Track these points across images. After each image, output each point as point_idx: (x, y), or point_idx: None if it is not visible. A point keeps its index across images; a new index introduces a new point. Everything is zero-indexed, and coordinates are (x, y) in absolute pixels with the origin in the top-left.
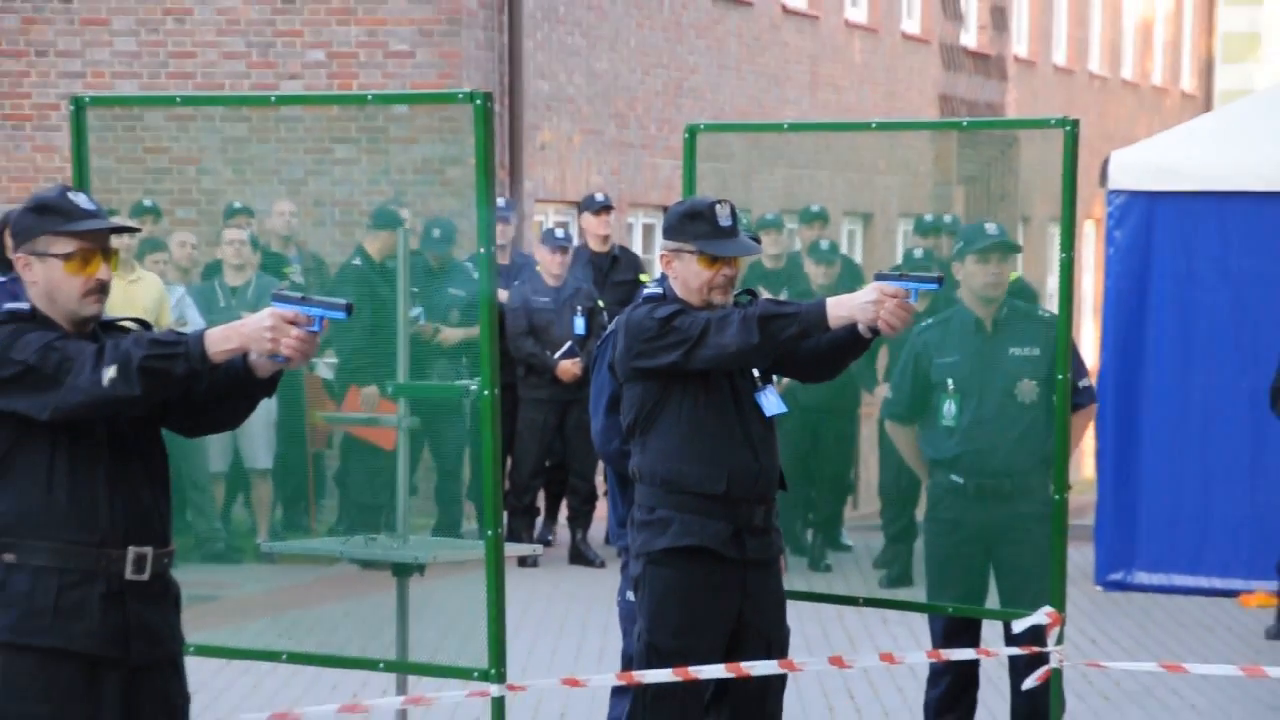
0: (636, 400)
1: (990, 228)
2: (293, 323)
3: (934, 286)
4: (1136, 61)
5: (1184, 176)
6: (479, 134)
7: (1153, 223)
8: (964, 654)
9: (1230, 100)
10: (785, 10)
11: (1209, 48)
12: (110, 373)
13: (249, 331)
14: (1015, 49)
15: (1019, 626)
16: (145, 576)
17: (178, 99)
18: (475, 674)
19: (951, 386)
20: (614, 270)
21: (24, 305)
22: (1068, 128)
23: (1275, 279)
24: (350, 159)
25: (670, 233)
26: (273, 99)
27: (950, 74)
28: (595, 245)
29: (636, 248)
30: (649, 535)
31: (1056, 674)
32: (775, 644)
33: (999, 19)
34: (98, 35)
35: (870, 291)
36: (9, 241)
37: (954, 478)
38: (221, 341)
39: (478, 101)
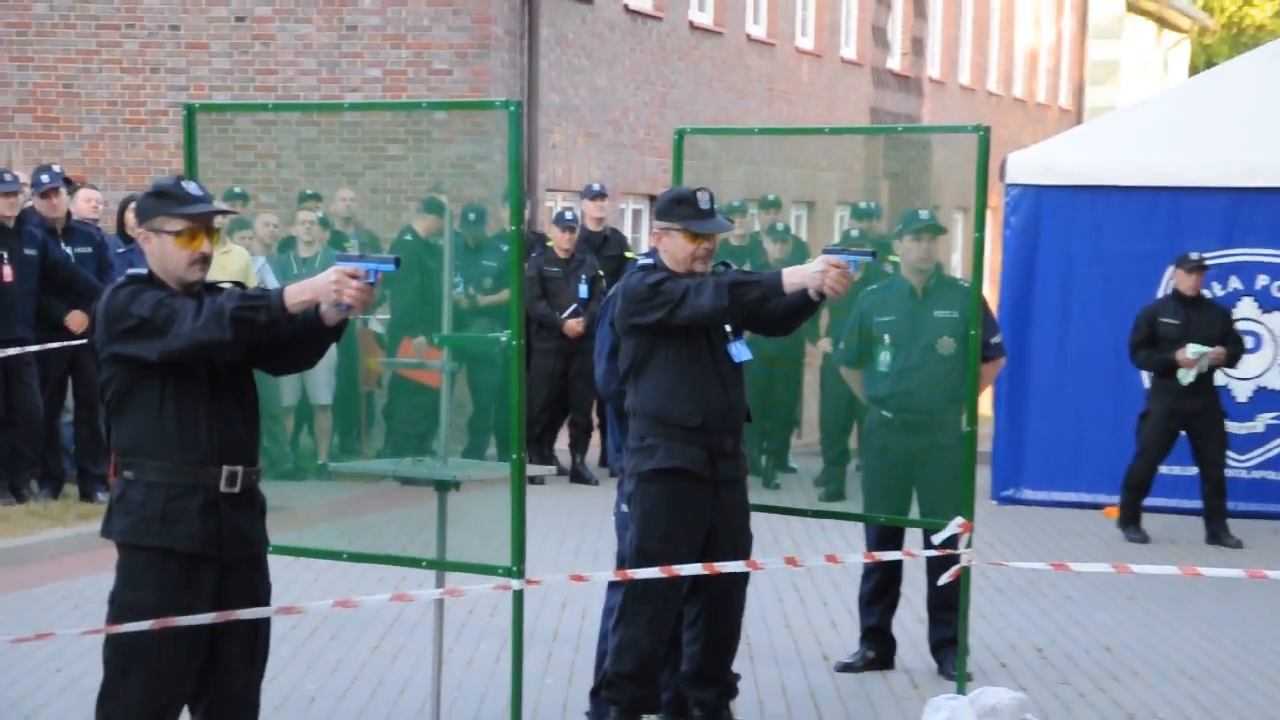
0: (631, 350)
1: (923, 214)
2: (353, 276)
3: (869, 259)
4: (1025, 82)
5: (1065, 174)
6: (512, 135)
7: (1040, 211)
8: (892, 555)
9: (1097, 114)
10: (749, 39)
11: (1081, 73)
12: (207, 321)
13: (319, 285)
14: (930, 71)
15: (939, 536)
16: (236, 490)
17: (269, 105)
18: (500, 570)
19: (887, 340)
20: (605, 247)
21: (143, 270)
22: (981, 133)
23: (1136, 257)
24: (399, 155)
25: (661, 214)
26: (345, 105)
27: (879, 91)
28: (591, 226)
29: (626, 228)
30: (640, 459)
31: (966, 571)
32: (741, 547)
33: (918, 47)
34: (199, 56)
35: (818, 263)
36: (130, 219)
37: (884, 413)
38: (297, 294)
39: (511, 109)
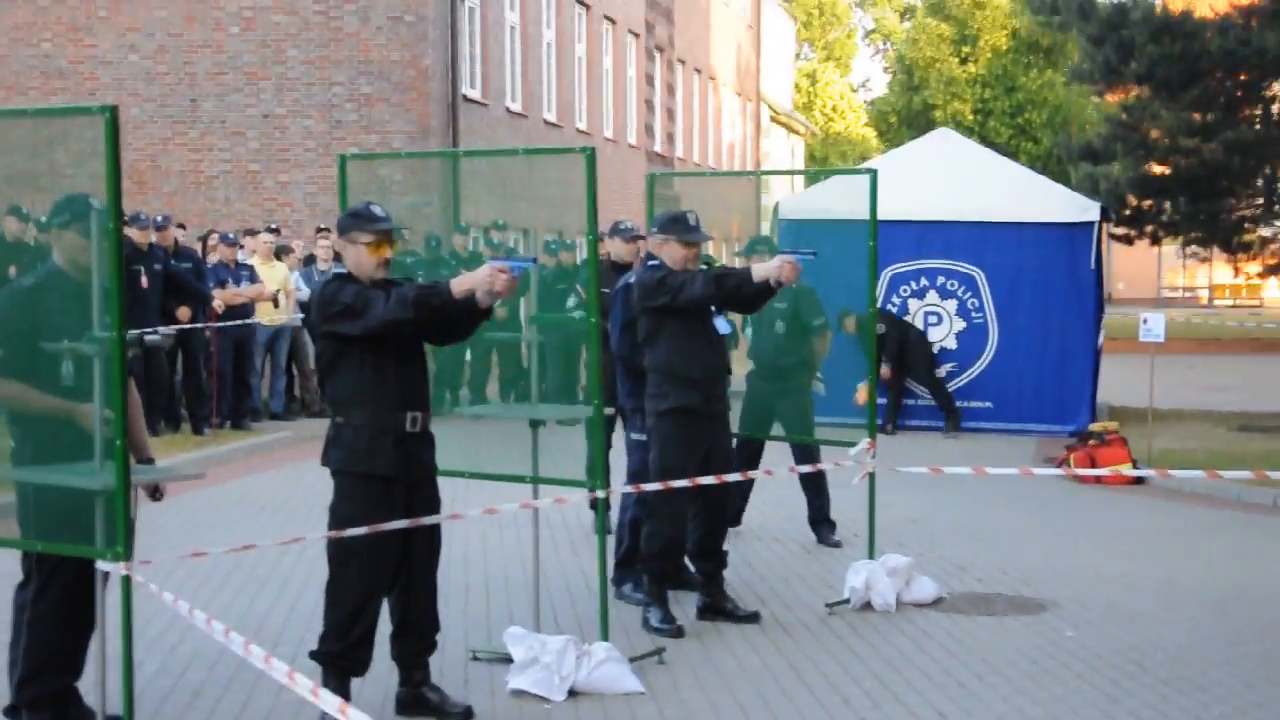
0: (646, 325)
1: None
2: (502, 271)
3: (811, 257)
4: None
5: (813, 211)
6: (589, 182)
7: (796, 238)
8: (824, 465)
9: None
10: (577, 131)
11: (758, 158)
12: (395, 305)
13: (477, 278)
14: (678, 152)
15: (853, 450)
16: (417, 430)
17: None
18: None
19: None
20: None
21: (344, 270)
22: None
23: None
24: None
25: (661, 229)
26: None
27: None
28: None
29: None
30: (656, 402)
31: (872, 476)
32: (729, 460)
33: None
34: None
35: (777, 260)
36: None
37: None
38: (460, 285)
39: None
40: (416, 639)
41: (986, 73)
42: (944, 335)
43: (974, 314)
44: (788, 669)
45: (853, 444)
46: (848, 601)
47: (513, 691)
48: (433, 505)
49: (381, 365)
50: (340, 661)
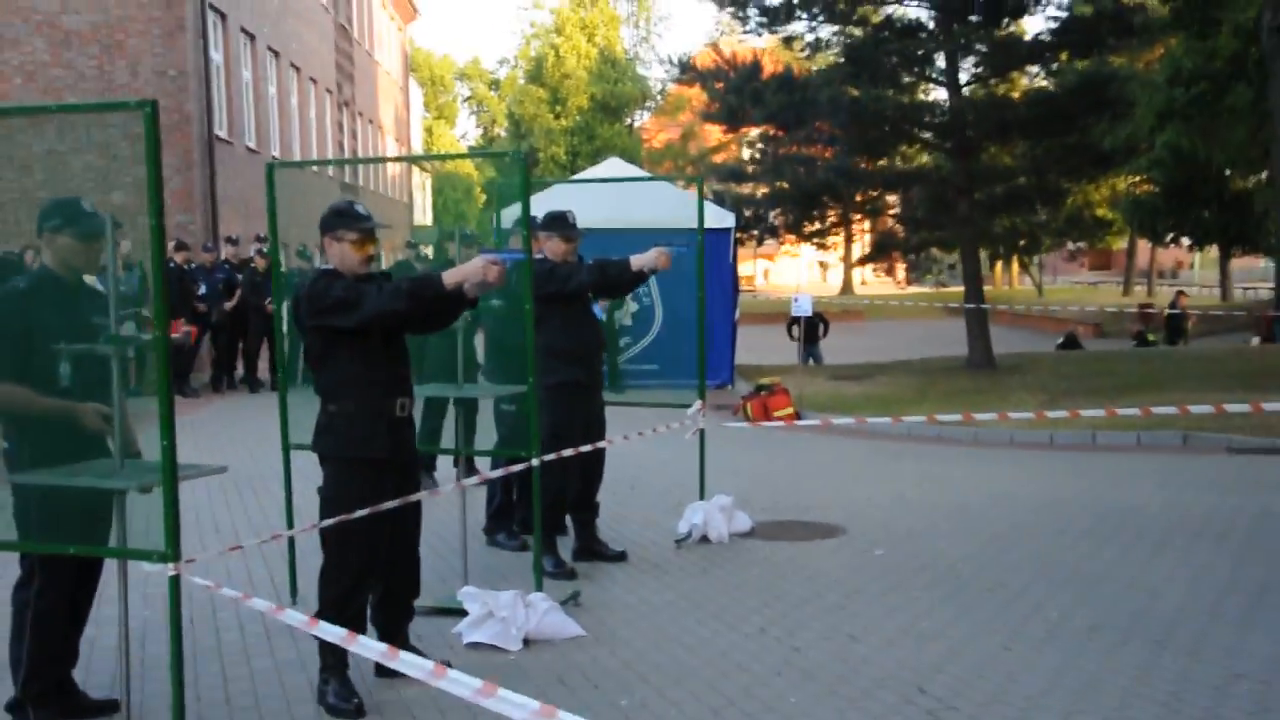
0: (537, 310)
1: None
2: (495, 263)
3: (684, 250)
4: (400, 192)
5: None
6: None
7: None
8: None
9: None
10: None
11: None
12: (389, 297)
13: (469, 270)
14: (371, 186)
15: (690, 411)
16: (405, 414)
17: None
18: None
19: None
20: None
21: (331, 267)
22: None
23: None
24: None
25: (543, 227)
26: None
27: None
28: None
29: None
30: (545, 376)
31: (702, 431)
32: (603, 426)
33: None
34: None
35: (655, 251)
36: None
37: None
38: (451, 276)
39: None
40: (401, 606)
41: (574, 125)
42: (624, 315)
43: (644, 298)
44: (682, 599)
45: (688, 406)
46: (689, 536)
47: (469, 645)
48: (416, 483)
49: (371, 355)
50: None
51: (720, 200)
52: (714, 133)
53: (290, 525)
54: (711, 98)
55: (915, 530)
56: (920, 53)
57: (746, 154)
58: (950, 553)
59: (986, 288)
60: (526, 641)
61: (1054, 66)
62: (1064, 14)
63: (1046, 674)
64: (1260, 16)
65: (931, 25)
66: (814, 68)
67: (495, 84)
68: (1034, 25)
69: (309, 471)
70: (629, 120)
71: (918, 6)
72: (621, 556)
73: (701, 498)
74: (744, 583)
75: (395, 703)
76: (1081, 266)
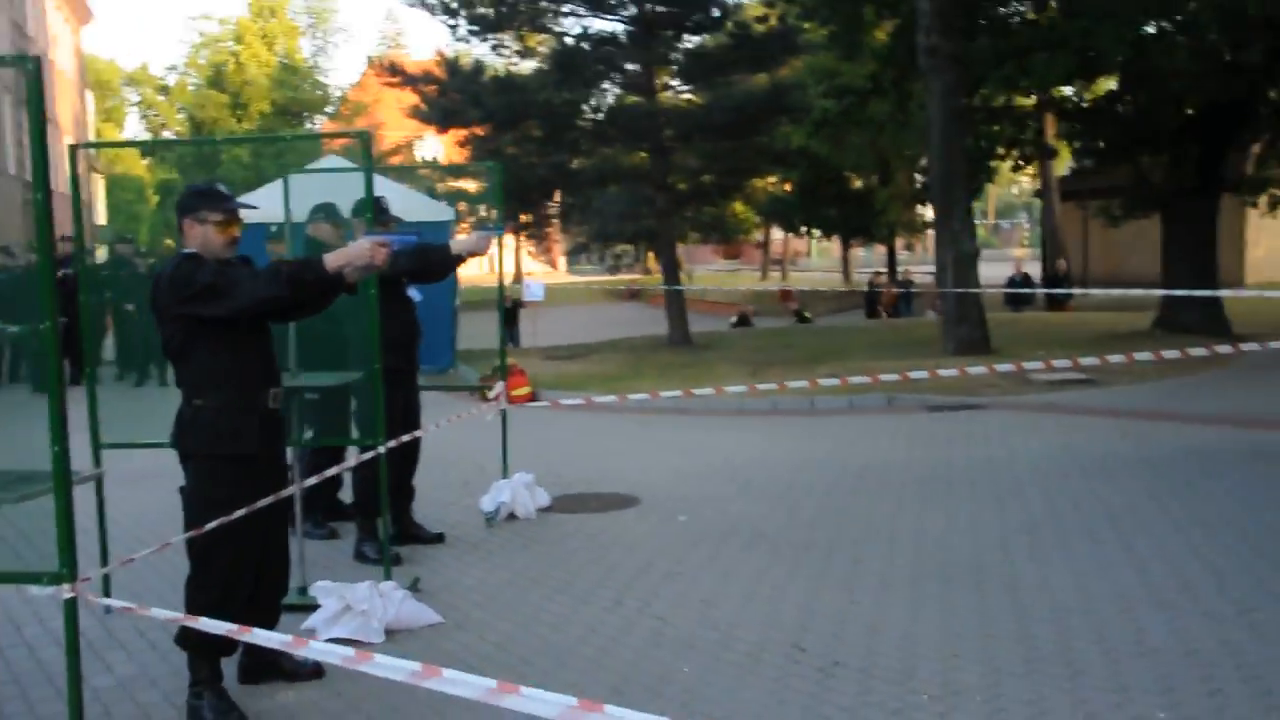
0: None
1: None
2: (383, 245)
3: (499, 232)
4: None
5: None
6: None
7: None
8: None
9: None
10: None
11: None
12: (268, 282)
13: (353, 252)
14: None
15: (492, 392)
16: (276, 405)
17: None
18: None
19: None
20: None
21: (193, 250)
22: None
23: None
24: None
25: (356, 213)
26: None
27: None
28: None
29: None
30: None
31: (505, 412)
32: (419, 415)
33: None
34: None
35: (474, 235)
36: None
37: None
38: (334, 260)
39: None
40: (273, 606)
41: (256, 128)
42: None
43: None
44: (519, 577)
45: (490, 389)
46: (497, 513)
47: (329, 641)
48: (285, 478)
49: (240, 344)
50: (216, 641)
51: (433, 194)
52: (392, 136)
53: (104, 539)
54: (424, 100)
55: (707, 495)
56: (620, 63)
57: (457, 155)
58: (749, 514)
59: (638, 275)
60: (388, 632)
61: (734, 77)
62: (741, 32)
63: (901, 622)
64: (895, 41)
65: (624, 39)
66: (524, 73)
67: (165, 89)
68: (719, 41)
69: (118, 472)
70: (310, 124)
71: (614, 20)
72: (440, 538)
73: (504, 476)
74: (569, 556)
75: (273, 711)
76: (716, 255)
